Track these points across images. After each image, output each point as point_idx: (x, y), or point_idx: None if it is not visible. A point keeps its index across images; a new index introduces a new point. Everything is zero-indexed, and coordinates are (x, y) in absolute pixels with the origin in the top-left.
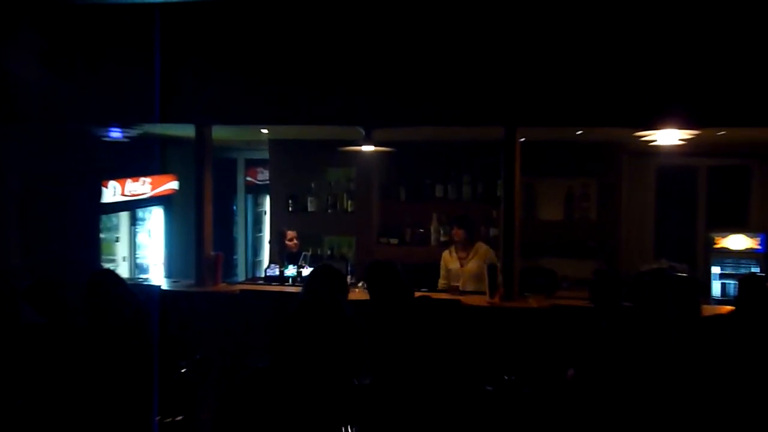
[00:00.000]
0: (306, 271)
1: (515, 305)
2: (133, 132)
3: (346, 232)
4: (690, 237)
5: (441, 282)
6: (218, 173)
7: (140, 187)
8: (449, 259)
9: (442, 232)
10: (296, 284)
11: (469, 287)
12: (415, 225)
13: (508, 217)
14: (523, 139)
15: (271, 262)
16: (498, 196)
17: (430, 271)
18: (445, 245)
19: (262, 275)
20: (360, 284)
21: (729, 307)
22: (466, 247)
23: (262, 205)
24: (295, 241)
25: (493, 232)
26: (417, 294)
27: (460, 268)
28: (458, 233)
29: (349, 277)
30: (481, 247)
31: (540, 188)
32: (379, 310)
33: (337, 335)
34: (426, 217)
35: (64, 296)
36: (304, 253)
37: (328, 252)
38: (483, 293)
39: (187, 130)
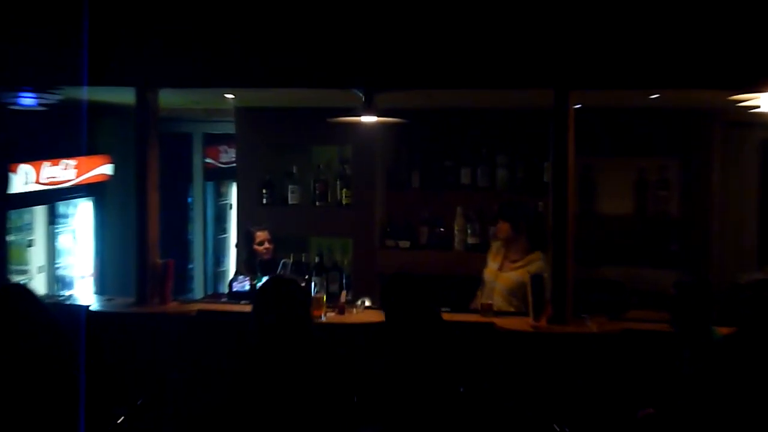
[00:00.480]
0: None
1: (569, 330)
2: (53, 98)
3: (339, 232)
4: None
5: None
6: (167, 153)
7: (62, 172)
8: (492, 254)
9: (469, 231)
10: None
11: (500, 304)
12: (433, 223)
13: (558, 211)
14: (578, 106)
15: (237, 273)
16: (544, 183)
17: (453, 285)
18: (475, 249)
19: (227, 290)
20: (359, 303)
21: None
22: (512, 248)
23: (226, 196)
24: (267, 245)
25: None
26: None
27: (497, 272)
28: (502, 229)
29: (344, 293)
30: (538, 258)
31: (601, 172)
32: (392, 337)
33: (316, 373)
34: (448, 212)
35: None
36: (284, 261)
37: (316, 259)
38: (523, 314)
39: (124, 96)
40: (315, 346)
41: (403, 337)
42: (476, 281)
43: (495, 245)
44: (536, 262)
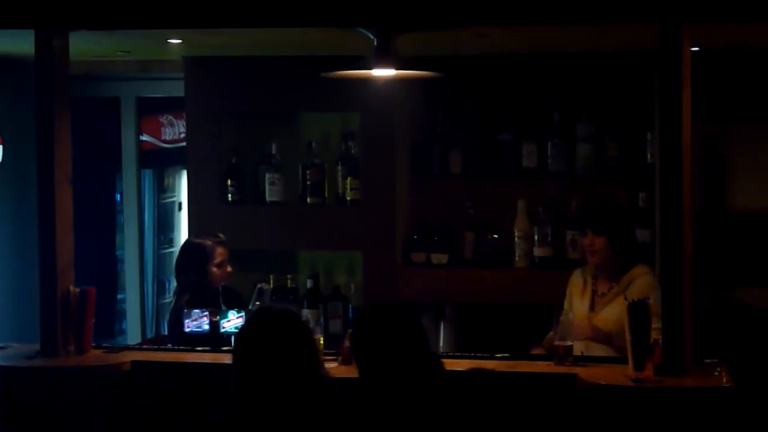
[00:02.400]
0: None
1: (687, 384)
2: None
3: (343, 243)
4: None
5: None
6: (84, 128)
7: None
8: (575, 289)
9: (537, 238)
10: None
11: (597, 350)
12: (482, 227)
13: (668, 207)
14: (696, 49)
15: (181, 305)
16: (648, 165)
17: (515, 317)
18: (545, 265)
19: (168, 331)
20: None
21: None
22: (609, 272)
23: (172, 190)
24: (227, 267)
25: (640, 235)
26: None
27: (589, 312)
28: (596, 244)
29: (349, 333)
30: (640, 274)
31: (735, 147)
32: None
33: None
34: (505, 211)
35: None
36: (260, 286)
37: (309, 283)
38: (620, 360)
39: (18, 43)
40: (328, 411)
41: (385, 398)
42: (546, 313)
43: (579, 273)
44: (640, 279)
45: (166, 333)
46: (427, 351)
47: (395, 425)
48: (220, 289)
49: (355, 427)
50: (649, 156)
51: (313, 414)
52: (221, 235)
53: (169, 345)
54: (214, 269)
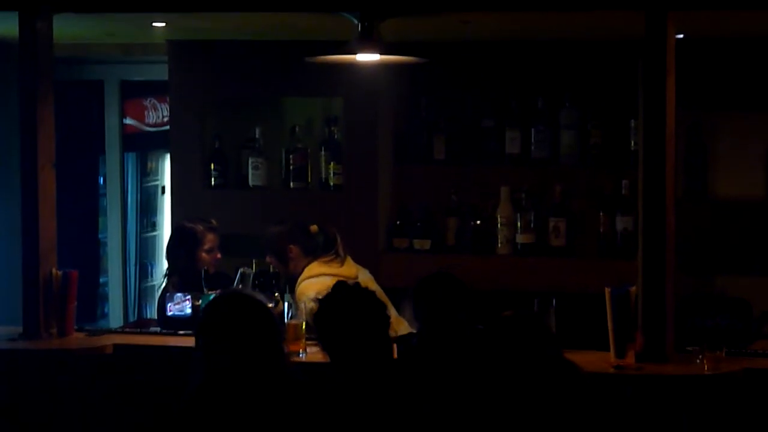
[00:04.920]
0: None
1: (668, 371)
2: None
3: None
4: None
5: None
6: (67, 111)
7: None
8: None
9: (519, 225)
10: None
11: None
12: (465, 213)
13: (651, 194)
14: (680, 36)
15: (169, 289)
16: (632, 152)
17: (497, 304)
18: (528, 251)
19: (156, 315)
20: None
21: None
22: None
23: (156, 173)
24: (216, 253)
25: (622, 222)
26: None
27: None
28: None
29: None
30: None
31: (717, 134)
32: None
33: None
34: (489, 196)
35: None
36: (242, 270)
37: None
38: (600, 345)
39: (2, 25)
40: (292, 399)
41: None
42: (529, 300)
43: None
44: None
45: (155, 315)
46: (386, 333)
47: (357, 408)
48: (203, 272)
49: (318, 411)
50: (632, 143)
51: (273, 400)
52: (213, 221)
53: (154, 329)
54: (204, 255)
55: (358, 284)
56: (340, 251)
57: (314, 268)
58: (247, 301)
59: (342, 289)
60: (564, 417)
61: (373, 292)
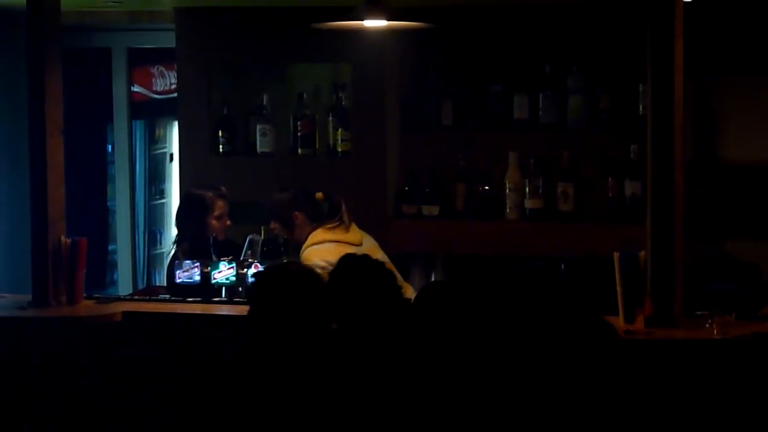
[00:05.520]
0: (253, 272)
1: (677, 336)
2: None
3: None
4: None
5: None
6: (75, 79)
7: None
8: None
9: (528, 190)
10: (235, 299)
11: None
12: (473, 178)
13: (659, 158)
14: (688, 0)
15: (179, 257)
16: (640, 117)
17: (506, 269)
18: (536, 216)
19: (166, 282)
20: None
21: None
22: None
23: (163, 141)
24: (226, 220)
25: (631, 187)
26: None
27: None
28: None
29: None
30: None
31: (726, 99)
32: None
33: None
34: (497, 161)
35: None
36: (251, 237)
37: None
38: (609, 310)
39: None
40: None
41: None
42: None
43: None
44: None
45: (164, 282)
46: (400, 298)
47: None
48: (211, 240)
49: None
50: (640, 108)
51: (316, 363)
52: (223, 188)
53: (163, 295)
54: (213, 222)
55: (366, 256)
56: (345, 218)
57: (319, 234)
58: (298, 273)
59: (350, 261)
60: (594, 372)
61: (382, 264)
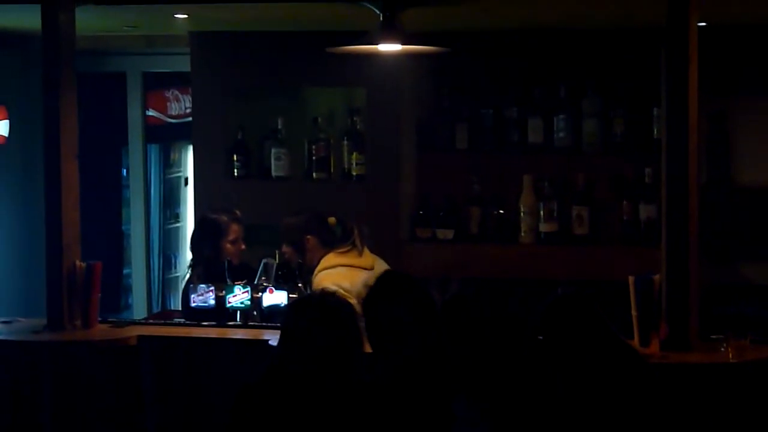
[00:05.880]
0: (272, 298)
1: (693, 359)
2: None
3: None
4: None
5: None
6: (90, 103)
7: None
8: None
9: (542, 213)
10: (250, 324)
11: None
12: (487, 201)
13: (674, 182)
14: (703, 24)
15: (194, 281)
16: (655, 141)
17: (520, 293)
18: (550, 240)
19: (180, 306)
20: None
21: None
22: None
23: (178, 165)
24: (241, 244)
25: (646, 210)
26: None
27: None
28: None
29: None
30: None
31: (741, 121)
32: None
33: None
34: (511, 185)
35: None
36: (265, 261)
37: None
38: (624, 334)
39: (24, 18)
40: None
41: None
42: (552, 288)
43: None
44: None
45: (179, 306)
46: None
47: (415, 401)
48: (226, 263)
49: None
50: (655, 131)
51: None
52: (237, 212)
53: (178, 319)
54: (228, 245)
55: (406, 275)
56: (357, 242)
57: (331, 259)
58: (346, 308)
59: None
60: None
61: (420, 284)
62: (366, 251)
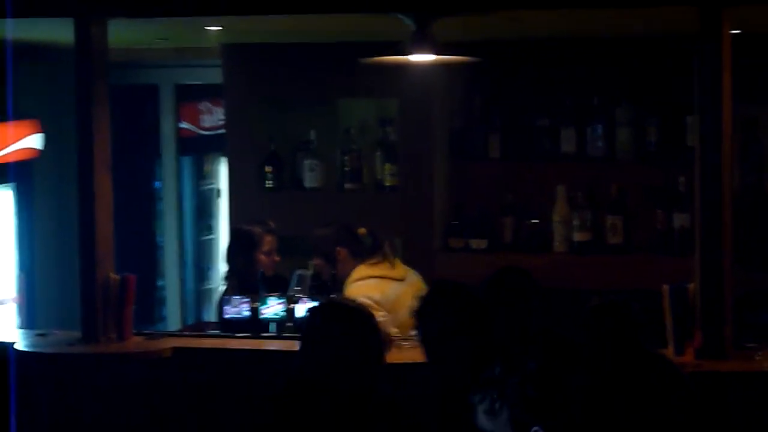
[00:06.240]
0: (304, 308)
1: (727, 368)
2: None
3: (381, 228)
4: None
5: None
6: (123, 116)
7: None
8: None
9: (576, 223)
10: (284, 335)
11: None
12: (521, 211)
13: (708, 189)
14: (737, 31)
15: (229, 291)
16: (688, 149)
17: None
18: (584, 249)
19: (215, 317)
20: (413, 332)
21: None
22: None
23: (212, 177)
24: (275, 256)
25: (679, 219)
26: None
27: None
28: None
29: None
30: None
31: None
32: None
33: None
34: (544, 194)
35: None
36: (299, 273)
37: None
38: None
39: (57, 31)
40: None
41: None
42: (586, 298)
43: None
44: None
45: (213, 318)
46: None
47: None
48: (260, 275)
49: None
50: (688, 139)
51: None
52: (271, 223)
53: (212, 330)
54: (262, 257)
55: (462, 284)
56: (388, 253)
57: (362, 270)
58: (345, 307)
59: (444, 286)
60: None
61: (472, 292)
62: (398, 262)
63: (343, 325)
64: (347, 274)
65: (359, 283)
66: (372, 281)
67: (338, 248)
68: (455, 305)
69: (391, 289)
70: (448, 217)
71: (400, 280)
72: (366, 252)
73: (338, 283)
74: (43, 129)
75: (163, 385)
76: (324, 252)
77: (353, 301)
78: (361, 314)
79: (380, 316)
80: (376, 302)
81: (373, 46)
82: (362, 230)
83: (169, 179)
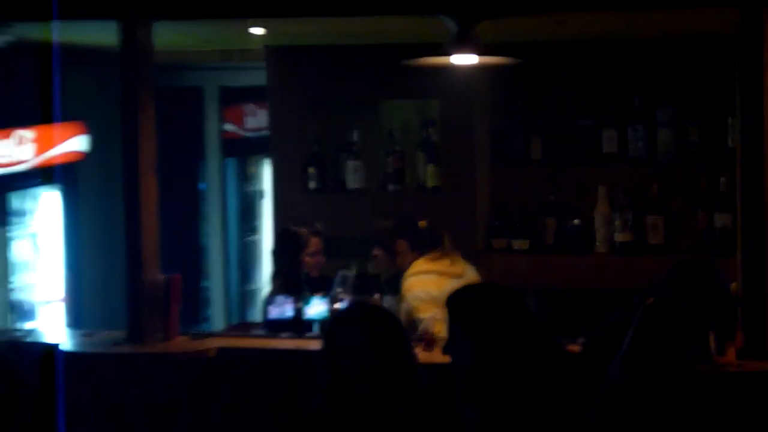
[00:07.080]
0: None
1: None
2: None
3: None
4: None
5: None
6: (168, 118)
7: (14, 149)
8: None
9: (617, 223)
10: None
11: None
12: (562, 212)
13: (750, 190)
14: None
15: (274, 292)
16: (729, 150)
17: (596, 303)
18: (626, 250)
19: (260, 318)
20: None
21: None
22: None
23: (256, 178)
24: (320, 257)
25: (721, 219)
26: None
27: None
28: None
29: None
30: None
31: None
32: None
33: None
34: (586, 195)
35: None
36: (342, 273)
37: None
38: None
39: (103, 34)
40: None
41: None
42: (628, 299)
43: None
44: None
45: (258, 318)
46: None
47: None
48: (304, 276)
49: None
50: (729, 140)
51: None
52: (318, 224)
53: (257, 331)
54: (308, 258)
55: (508, 289)
56: (448, 248)
57: (421, 264)
58: (370, 309)
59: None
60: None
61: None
62: (458, 258)
63: (366, 330)
64: (407, 267)
65: (418, 276)
66: (431, 276)
67: (399, 240)
68: (501, 309)
69: (449, 285)
70: (491, 217)
71: (458, 276)
72: (425, 245)
73: (392, 277)
74: (89, 131)
75: (207, 384)
76: (384, 244)
77: (377, 307)
78: (386, 319)
79: (434, 313)
80: (433, 298)
81: (415, 48)
82: (422, 222)
83: (214, 181)
